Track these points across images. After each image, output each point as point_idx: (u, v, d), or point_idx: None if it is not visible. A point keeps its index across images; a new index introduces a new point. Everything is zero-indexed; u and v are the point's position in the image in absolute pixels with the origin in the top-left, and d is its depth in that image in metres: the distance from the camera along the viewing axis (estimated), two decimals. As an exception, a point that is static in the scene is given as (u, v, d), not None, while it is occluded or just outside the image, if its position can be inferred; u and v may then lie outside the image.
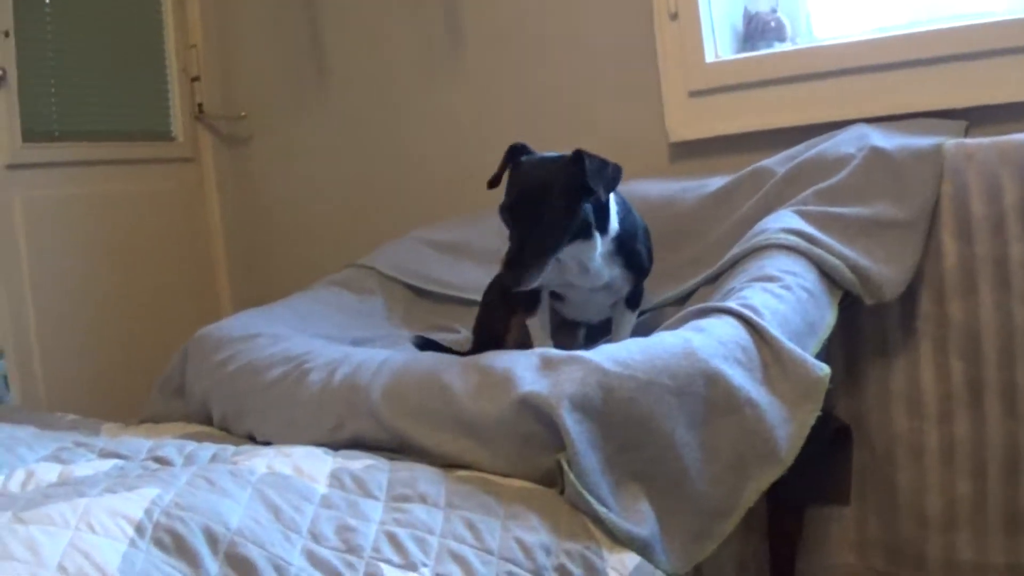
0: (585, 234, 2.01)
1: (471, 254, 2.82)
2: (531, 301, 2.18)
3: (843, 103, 2.63)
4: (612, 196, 2.07)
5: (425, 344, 2.42)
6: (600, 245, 2.06)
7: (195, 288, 3.66)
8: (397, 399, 1.82)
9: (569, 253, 2.02)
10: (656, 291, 2.48)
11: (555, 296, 2.23)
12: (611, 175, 1.96)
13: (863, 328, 2.31)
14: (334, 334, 2.48)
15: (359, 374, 1.94)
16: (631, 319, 2.25)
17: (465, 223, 2.93)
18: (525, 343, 2.18)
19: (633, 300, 2.23)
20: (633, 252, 2.14)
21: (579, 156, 1.93)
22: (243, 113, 3.74)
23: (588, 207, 1.99)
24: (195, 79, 3.69)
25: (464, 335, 2.58)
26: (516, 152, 2.03)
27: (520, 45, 3.14)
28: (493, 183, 2.04)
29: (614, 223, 2.09)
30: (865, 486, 2.33)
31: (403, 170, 3.41)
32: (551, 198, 1.92)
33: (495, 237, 2.24)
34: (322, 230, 3.58)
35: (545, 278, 1.99)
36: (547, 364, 1.72)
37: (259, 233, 3.75)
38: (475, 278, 2.70)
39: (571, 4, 3.06)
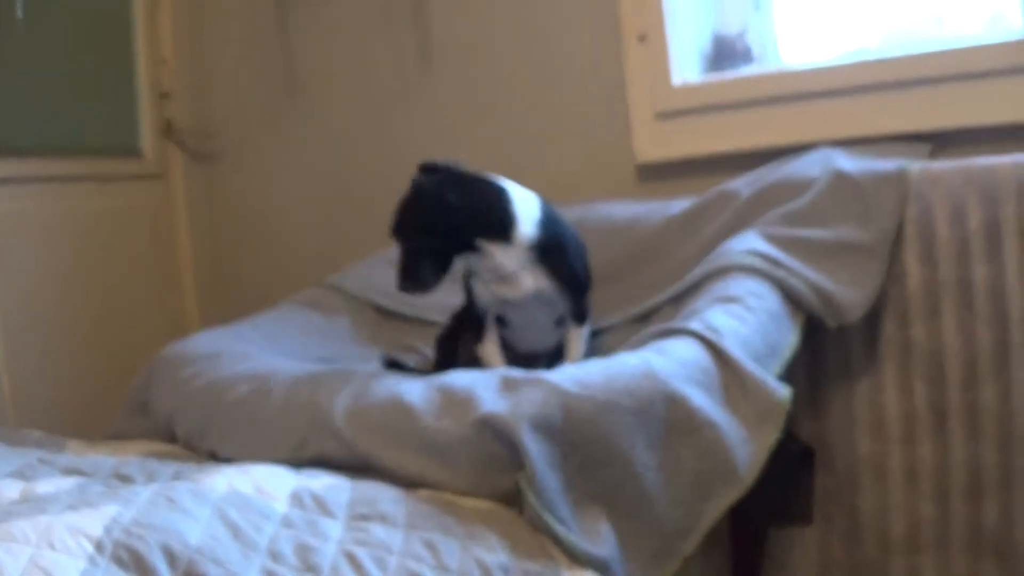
0: (489, 236, 2.07)
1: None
2: (478, 328, 2.24)
3: (809, 126, 2.65)
4: (530, 205, 2.13)
5: (392, 365, 2.44)
6: (509, 250, 2.08)
7: (162, 307, 3.65)
8: (360, 418, 1.83)
9: (472, 262, 2.10)
10: (618, 311, 2.50)
11: (500, 323, 2.26)
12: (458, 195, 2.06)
13: (826, 350, 2.33)
14: (300, 353, 2.49)
15: (323, 393, 1.95)
16: (580, 334, 2.25)
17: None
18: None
19: (579, 315, 2.23)
20: (560, 263, 2.15)
21: (418, 188, 2.11)
22: (213, 130, 3.73)
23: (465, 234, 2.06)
24: (164, 95, 3.68)
25: (430, 356, 2.59)
26: (422, 171, 2.15)
27: (489, 65, 3.16)
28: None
29: (525, 229, 2.10)
30: (828, 508, 2.35)
31: (374, 189, 3.38)
32: (411, 234, 2.07)
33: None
34: (293, 249, 3.58)
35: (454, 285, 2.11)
36: (508, 385, 1.74)
37: (228, 252, 3.74)
38: (441, 300, 2.71)
39: (540, 25, 3.08)
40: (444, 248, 2.05)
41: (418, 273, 2.04)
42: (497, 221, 2.08)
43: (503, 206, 2.09)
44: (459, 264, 2.10)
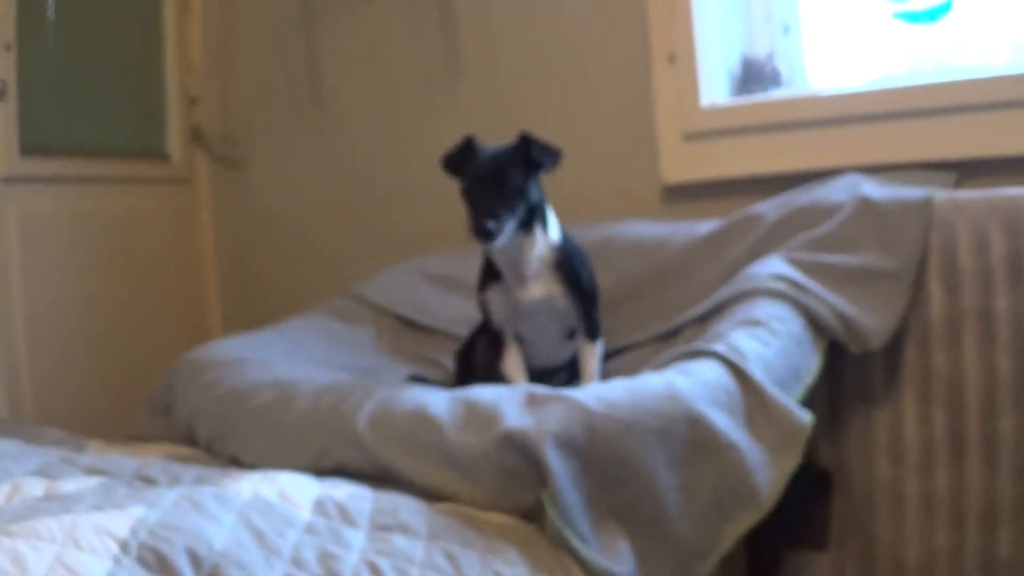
0: (527, 224, 2.13)
1: (460, 287, 2.84)
2: (499, 343, 2.28)
3: (836, 151, 2.66)
4: (551, 213, 2.21)
5: (416, 381, 2.46)
6: (540, 241, 2.16)
7: (185, 310, 3.67)
8: (383, 429, 1.85)
9: (512, 243, 2.12)
10: (643, 328, 2.52)
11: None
12: (554, 155, 2.13)
13: (847, 376, 2.33)
14: (323, 362, 2.50)
15: (346, 402, 1.97)
16: (595, 350, 2.28)
17: (456, 256, 2.95)
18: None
19: (591, 329, 2.27)
20: (573, 272, 2.22)
21: (526, 139, 2.12)
22: (240, 136, 3.76)
23: (533, 196, 2.13)
24: (193, 100, 3.71)
25: (450, 370, 2.61)
26: (470, 141, 2.18)
27: (517, 79, 3.18)
28: (445, 166, 2.21)
29: (554, 231, 2.21)
30: (844, 533, 2.35)
31: (399, 197, 3.42)
32: (512, 168, 2.08)
33: (480, 274, 2.30)
34: (315, 256, 3.59)
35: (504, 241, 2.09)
36: (532, 401, 1.76)
37: (252, 257, 3.76)
38: (464, 313, 2.73)
39: (570, 41, 3.09)
40: (518, 197, 2.09)
41: (497, 213, 2.04)
42: (544, 210, 2.19)
43: (544, 204, 2.21)
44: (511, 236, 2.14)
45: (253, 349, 2.45)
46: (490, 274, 2.23)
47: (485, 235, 2.02)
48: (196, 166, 3.76)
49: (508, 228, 2.05)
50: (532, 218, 2.15)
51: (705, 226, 2.64)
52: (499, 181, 2.06)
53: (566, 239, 2.25)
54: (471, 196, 2.08)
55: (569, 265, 2.22)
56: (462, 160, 2.15)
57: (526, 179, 2.10)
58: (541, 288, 2.19)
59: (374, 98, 3.47)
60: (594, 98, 3.04)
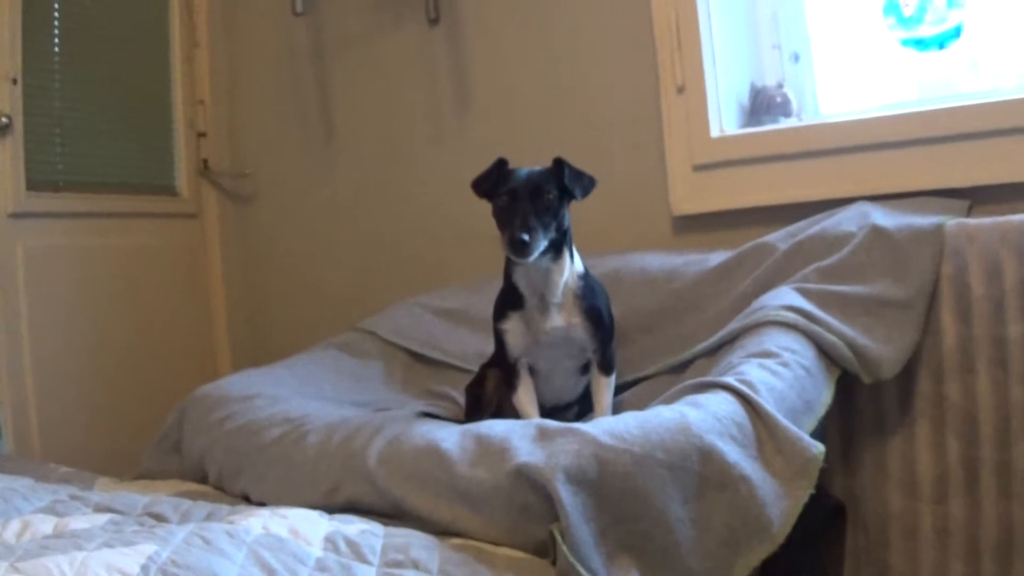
0: (557, 248, 2.16)
1: (470, 321, 2.87)
2: (511, 376, 2.29)
3: (846, 180, 2.67)
4: (576, 252, 2.25)
5: (427, 416, 2.46)
6: (568, 267, 2.20)
7: (194, 345, 3.69)
8: (393, 464, 1.86)
9: (541, 267, 2.16)
10: (653, 361, 2.54)
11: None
12: (587, 182, 2.19)
13: (860, 406, 2.34)
14: (333, 397, 2.53)
15: (356, 438, 1.99)
16: (607, 384, 2.30)
17: (465, 291, 2.98)
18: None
19: (606, 364, 2.29)
20: (595, 303, 2.25)
21: (560, 162, 2.17)
22: (248, 171, 3.79)
23: (564, 221, 2.17)
24: (201, 135, 3.75)
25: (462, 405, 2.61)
26: (502, 163, 2.20)
27: (526, 114, 3.20)
28: (477, 185, 2.21)
29: (579, 264, 2.25)
30: (858, 565, 2.35)
31: (408, 233, 3.44)
32: (547, 187, 2.12)
33: (492, 306, 2.32)
34: (324, 291, 3.61)
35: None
36: (543, 435, 1.77)
37: (260, 292, 3.78)
38: (473, 346, 2.76)
39: (578, 74, 3.12)
40: (555, 216, 2.13)
41: (537, 227, 2.07)
42: (571, 243, 2.23)
43: (571, 236, 2.25)
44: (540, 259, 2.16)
45: (262, 384, 2.47)
46: (510, 302, 2.25)
47: (520, 247, 2.04)
48: (204, 200, 3.79)
49: (541, 245, 2.08)
50: (562, 244, 2.18)
51: (716, 257, 2.65)
52: (535, 198, 2.10)
53: (587, 270, 2.29)
54: (507, 211, 2.11)
55: (592, 296, 2.25)
56: (494, 182, 2.17)
57: (560, 200, 2.13)
58: (562, 318, 2.22)
59: (384, 133, 3.49)
60: (604, 129, 3.06)
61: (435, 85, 3.37)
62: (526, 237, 2.03)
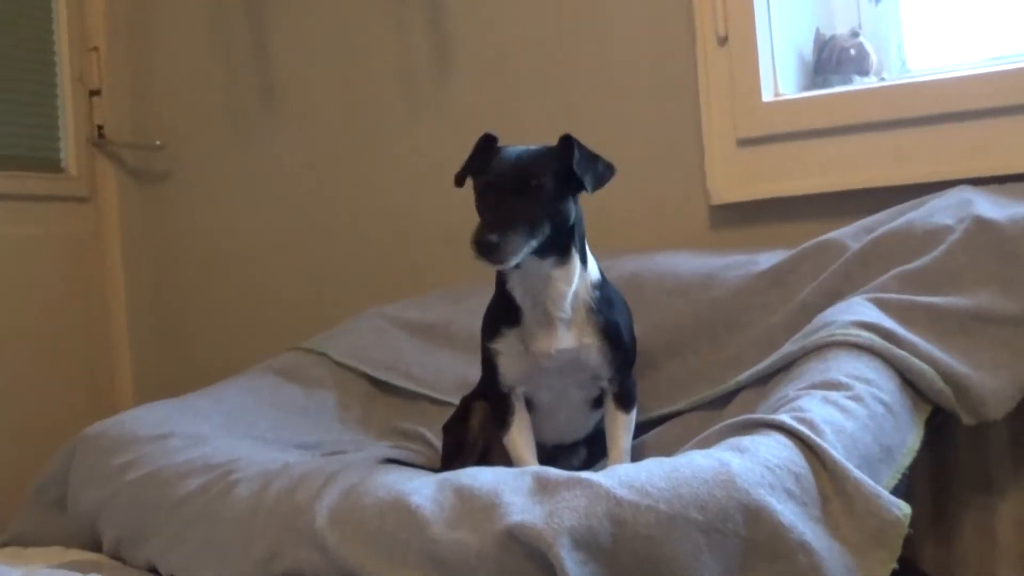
0: (562, 250, 2.18)
1: (451, 340, 2.90)
2: (502, 410, 2.30)
3: (942, 158, 2.71)
4: (591, 254, 2.26)
5: (392, 463, 2.48)
6: (576, 275, 2.21)
7: (86, 367, 3.68)
8: (349, 524, 1.88)
9: (539, 273, 2.17)
10: (685, 394, 2.57)
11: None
12: (602, 169, 2.20)
13: (959, 455, 2.35)
14: (271, 437, 2.55)
15: (301, 490, 2.01)
16: (626, 422, 2.32)
17: (444, 300, 3.01)
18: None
19: (624, 397, 2.31)
20: (612, 320, 2.26)
21: (568, 141, 2.16)
22: (158, 142, 3.80)
23: (567, 214, 2.17)
24: (95, 93, 3.75)
25: (437, 446, 2.63)
26: (488, 142, 2.22)
27: (523, 72, 3.24)
28: (460, 178, 2.23)
29: (594, 269, 2.27)
30: (955, 660, 2.37)
31: (371, 225, 3.44)
32: (538, 172, 2.11)
33: (481, 320, 2.34)
34: (259, 300, 3.63)
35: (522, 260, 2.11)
36: (543, 487, 1.79)
37: (175, 300, 3.79)
38: (453, 372, 2.79)
39: (590, 22, 3.15)
40: (545, 213, 2.12)
41: (513, 228, 2.06)
42: (583, 239, 2.25)
43: (584, 230, 2.26)
44: (534, 265, 2.17)
45: (178, 420, 2.49)
46: (504, 316, 2.27)
47: (484, 250, 2.03)
48: (100, 179, 3.79)
49: (523, 247, 2.08)
50: (568, 245, 2.20)
51: (766, 259, 2.68)
52: (520, 186, 2.10)
53: (604, 279, 2.30)
54: (481, 203, 2.12)
55: (610, 309, 2.27)
56: (479, 165, 2.19)
57: (560, 191, 2.14)
58: (571, 337, 2.23)
59: (340, 96, 3.51)
60: (620, 93, 3.09)
61: (407, 37, 3.39)
62: (493, 238, 2.02)
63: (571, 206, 2.18)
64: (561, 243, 2.17)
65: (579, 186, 2.16)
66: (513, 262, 2.07)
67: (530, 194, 2.10)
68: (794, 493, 1.81)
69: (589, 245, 2.28)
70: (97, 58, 3.77)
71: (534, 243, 2.10)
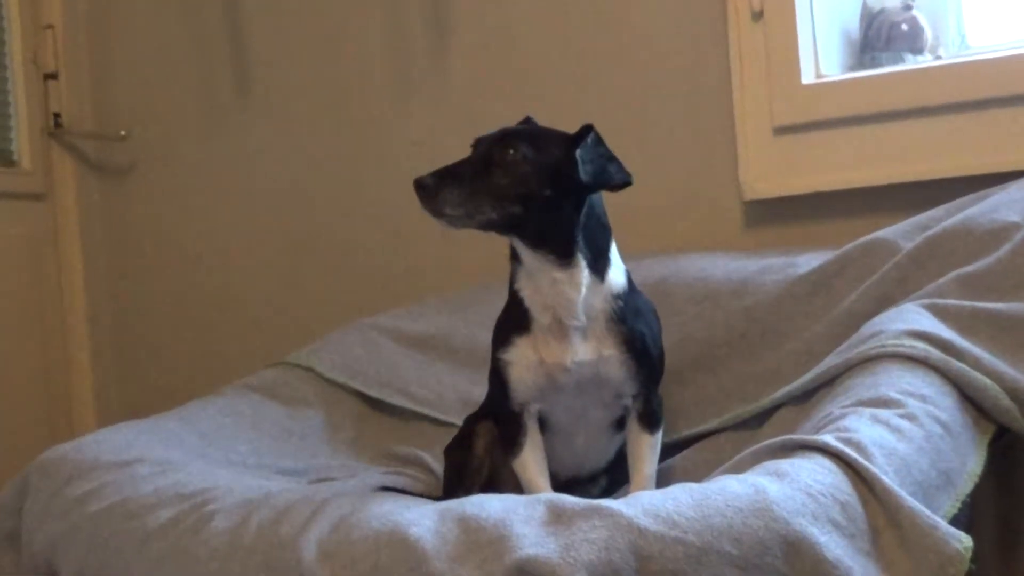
0: (562, 250, 2.19)
1: (452, 354, 2.91)
2: (512, 429, 2.31)
3: (1005, 146, 2.72)
4: (617, 253, 2.28)
5: (388, 490, 2.48)
6: (586, 278, 2.21)
7: (42, 385, 3.70)
8: (340, 559, 1.88)
9: (545, 276, 2.20)
10: (717, 412, 2.58)
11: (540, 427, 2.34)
12: (613, 170, 2.22)
13: (1027, 480, 2.37)
14: (251, 462, 2.56)
15: (285, 522, 2.02)
16: (651, 445, 2.33)
17: (445, 309, 3.02)
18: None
19: (650, 416, 2.32)
20: (637, 331, 2.27)
21: (587, 128, 2.21)
22: (122, 132, 3.82)
23: (573, 213, 2.19)
24: (50, 76, 3.77)
25: (438, 472, 2.64)
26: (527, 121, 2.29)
27: (531, 52, 3.26)
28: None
29: (619, 276, 2.28)
30: None
31: (359, 226, 3.44)
32: (524, 147, 2.17)
33: (487, 331, 2.36)
34: (236, 308, 3.64)
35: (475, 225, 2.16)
36: (557, 517, 1.79)
37: (141, 307, 3.79)
38: (455, 389, 2.81)
39: (608, -4, 3.15)
40: (519, 185, 2.14)
41: (463, 181, 2.12)
42: (606, 240, 2.27)
43: (607, 232, 2.28)
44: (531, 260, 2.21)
45: (145, 444, 2.50)
46: (515, 323, 2.28)
47: (419, 189, 2.10)
48: (57, 173, 3.80)
49: (465, 207, 2.12)
50: (571, 246, 2.20)
51: (807, 261, 2.69)
52: (496, 151, 2.16)
53: (632, 284, 2.31)
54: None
55: (635, 318, 2.28)
56: None
57: (548, 176, 2.16)
58: (591, 349, 2.24)
59: (322, 81, 3.54)
60: (641, 75, 3.11)
61: (399, 13, 3.41)
62: (429, 180, 2.11)
63: (567, 200, 2.19)
64: (559, 241, 2.19)
65: (585, 185, 2.18)
66: (451, 220, 2.12)
67: (501, 161, 2.15)
68: (840, 524, 1.81)
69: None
70: (53, 37, 3.78)
71: (492, 215, 2.13)
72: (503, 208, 2.13)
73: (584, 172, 2.16)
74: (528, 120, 2.27)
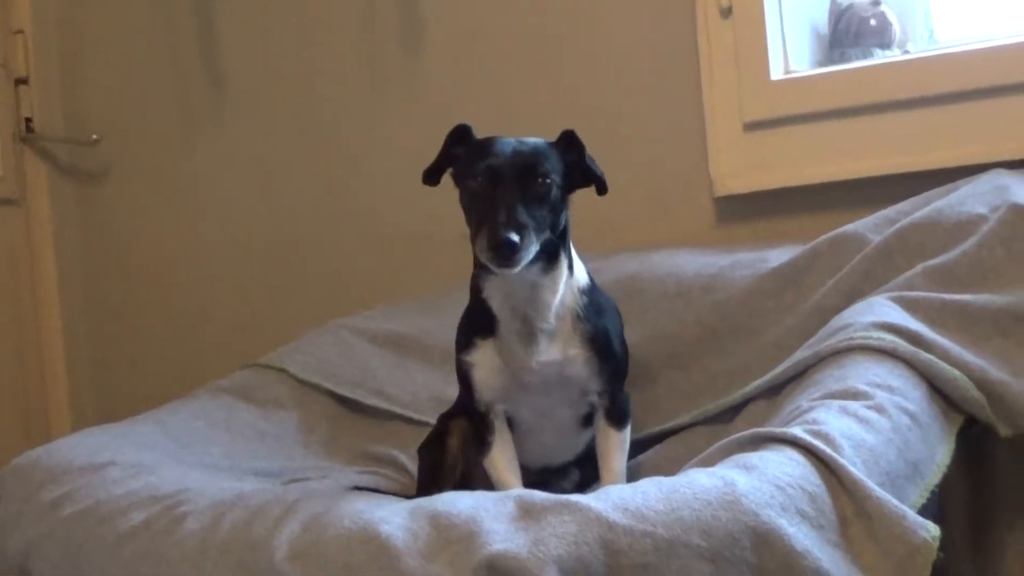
0: (551, 255, 2.19)
1: (426, 353, 2.92)
2: (481, 429, 2.33)
3: (973, 139, 2.73)
4: (577, 256, 2.28)
5: (361, 490, 2.48)
6: (564, 280, 2.23)
7: (17, 391, 3.69)
8: (312, 558, 1.89)
9: (525, 280, 2.18)
10: (687, 407, 2.59)
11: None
12: (599, 170, 2.23)
13: (997, 471, 2.38)
14: (224, 464, 2.56)
15: (257, 522, 2.02)
16: (619, 441, 2.34)
17: (419, 309, 3.03)
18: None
19: (617, 412, 2.33)
20: (602, 329, 2.28)
21: (572, 136, 2.21)
22: (95, 136, 3.81)
23: (562, 217, 2.19)
24: (21, 81, 3.76)
25: (412, 471, 2.65)
26: (462, 134, 2.24)
27: (505, 51, 3.26)
28: (431, 175, 2.25)
29: (582, 273, 2.29)
30: None
31: (334, 228, 3.44)
32: (545, 165, 2.13)
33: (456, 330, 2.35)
34: (209, 311, 3.64)
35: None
36: (527, 512, 1.80)
37: (116, 312, 3.79)
38: (428, 389, 2.82)
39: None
40: (554, 212, 2.14)
41: (528, 227, 2.06)
42: (568, 240, 2.27)
43: (568, 228, 2.27)
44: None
45: (118, 448, 2.49)
46: (479, 326, 2.29)
47: (506, 251, 2.02)
48: (29, 179, 3.80)
49: (533, 249, 2.08)
50: (558, 249, 2.21)
51: (777, 255, 2.70)
52: (526, 180, 2.10)
53: (593, 283, 2.32)
54: (483, 199, 2.10)
55: (598, 316, 2.29)
56: (467, 158, 2.18)
57: (563, 188, 2.16)
58: (556, 349, 2.25)
59: (297, 83, 3.53)
60: (612, 73, 3.11)
61: (373, 14, 3.41)
62: (515, 237, 2.02)
63: (566, 206, 2.20)
64: (551, 247, 2.18)
65: (574, 186, 2.19)
66: (520, 267, 2.07)
67: (540, 190, 2.11)
68: (808, 515, 1.82)
69: (576, 245, 2.29)
70: (23, 41, 3.78)
71: (538, 246, 2.10)
72: (547, 235, 2.13)
73: (600, 177, 2.19)
74: (465, 129, 2.23)
